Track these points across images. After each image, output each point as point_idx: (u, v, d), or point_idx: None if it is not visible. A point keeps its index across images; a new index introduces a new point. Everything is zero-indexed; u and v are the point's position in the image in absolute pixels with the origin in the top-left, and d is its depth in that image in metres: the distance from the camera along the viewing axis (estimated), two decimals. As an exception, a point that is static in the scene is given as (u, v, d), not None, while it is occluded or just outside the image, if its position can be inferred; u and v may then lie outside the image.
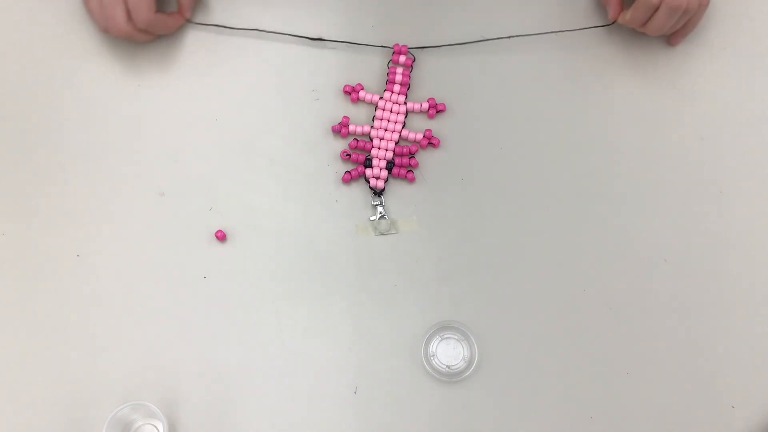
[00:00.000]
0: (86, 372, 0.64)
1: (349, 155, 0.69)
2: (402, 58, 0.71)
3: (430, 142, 0.70)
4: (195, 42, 0.72)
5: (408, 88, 0.71)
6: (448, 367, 0.65)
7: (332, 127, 0.70)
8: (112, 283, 0.66)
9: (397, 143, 0.70)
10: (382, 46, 0.72)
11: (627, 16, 0.70)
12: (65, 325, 0.65)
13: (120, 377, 0.64)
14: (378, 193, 0.69)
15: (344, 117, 0.70)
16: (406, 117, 0.71)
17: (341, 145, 0.70)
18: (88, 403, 0.63)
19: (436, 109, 0.71)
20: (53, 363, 0.64)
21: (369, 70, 0.72)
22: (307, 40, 0.71)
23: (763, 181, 0.70)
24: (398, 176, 0.69)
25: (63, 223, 0.67)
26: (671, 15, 0.67)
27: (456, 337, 0.66)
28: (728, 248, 0.68)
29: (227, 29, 0.72)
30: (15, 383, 0.63)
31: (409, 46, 0.71)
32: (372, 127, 0.70)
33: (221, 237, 0.66)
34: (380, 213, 0.68)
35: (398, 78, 0.71)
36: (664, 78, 0.73)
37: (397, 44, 0.71)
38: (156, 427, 0.63)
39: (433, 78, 0.72)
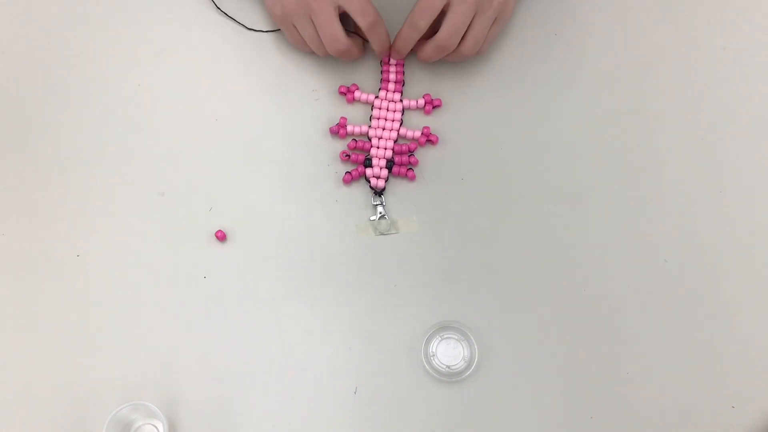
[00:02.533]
0: (86, 372, 0.64)
1: (349, 156, 0.69)
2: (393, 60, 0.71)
3: (429, 139, 0.70)
4: (195, 42, 0.72)
5: (403, 86, 0.71)
6: (448, 367, 0.65)
7: (330, 129, 0.70)
8: (112, 283, 0.66)
9: (395, 142, 0.70)
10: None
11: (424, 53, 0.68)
12: (65, 325, 0.65)
13: (120, 377, 0.64)
14: (378, 192, 0.69)
15: (341, 118, 0.70)
16: (403, 115, 0.71)
17: (341, 145, 0.70)
18: (88, 403, 0.63)
19: (432, 105, 0.71)
20: (53, 363, 0.64)
21: (363, 69, 0.72)
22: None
23: (763, 181, 0.70)
24: (398, 175, 0.69)
25: (63, 223, 0.67)
26: (440, 52, 0.66)
27: (456, 337, 0.66)
28: (728, 248, 0.68)
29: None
30: (15, 383, 0.63)
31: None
32: (370, 126, 0.70)
33: (221, 237, 0.66)
34: (380, 213, 0.68)
35: (392, 76, 0.71)
36: (663, 77, 0.73)
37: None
38: (156, 427, 0.63)
39: (426, 74, 0.72)
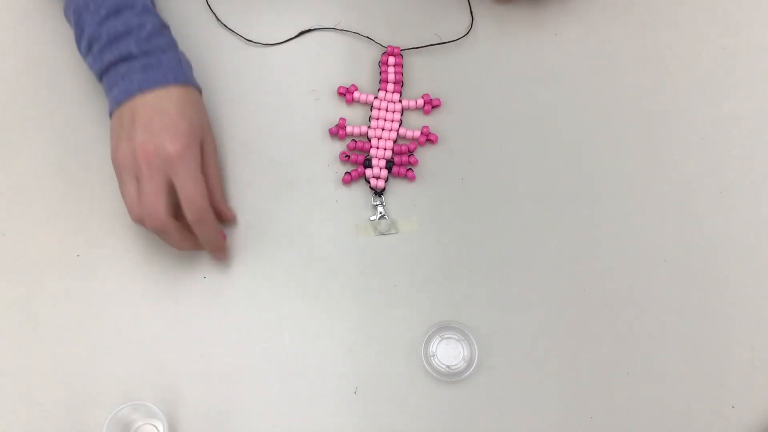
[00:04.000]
0: (86, 372, 0.64)
1: (348, 156, 0.69)
2: (392, 59, 0.71)
3: (428, 138, 0.70)
4: (194, 43, 0.72)
5: (402, 86, 0.71)
6: (448, 367, 0.65)
7: (329, 130, 0.70)
8: (112, 283, 0.66)
9: (395, 142, 0.70)
10: (369, 38, 0.73)
11: None
12: (65, 325, 0.65)
13: (120, 377, 0.64)
14: (378, 193, 0.69)
15: (341, 119, 0.70)
16: (402, 115, 0.71)
17: (340, 145, 0.70)
18: (88, 403, 0.63)
19: (431, 105, 0.71)
20: (53, 363, 0.64)
21: (361, 70, 0.72)
22: (300, 35, 0.73)
23: (763, 181, 0.70)
24: (398, 175, 0.69)
25: (63, 223, 0.67)
26: None
27: (456, 337, 0.66)
28: (728, 248, 0.68)
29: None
30: (15, 383, 0.63)
31: (393, 44, 0.72)
32: (369, 127, 0.70)
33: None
34: (380, 213, 0.68)
35: (391, 77, 0.71)
36: (663, 77, 0.73)
37: (390, 46, 0.72)
38: (156, 427, 0.63)
39: (425, 74, 0.72)
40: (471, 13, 0.74)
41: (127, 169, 0.59)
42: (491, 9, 0.74)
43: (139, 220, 0.60)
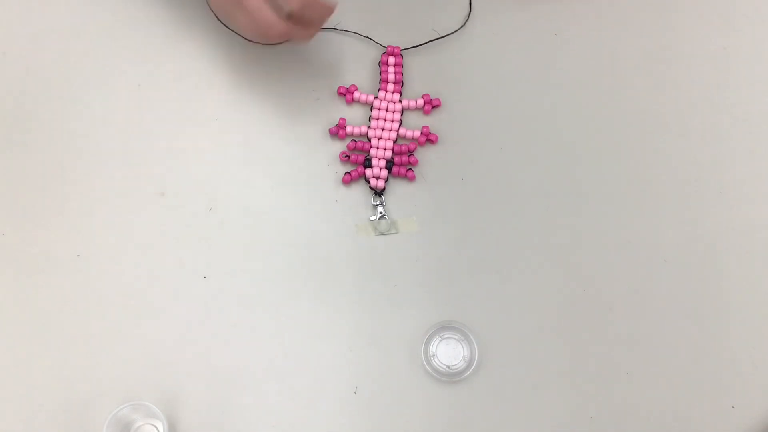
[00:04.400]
0: (86, 372, 0.64)
1: (348, 156, 0.69)
2: (392, 59, 0.71)
3: (428, 138, 0.70)
4: (195, 42, 0.72)
5: (402, 86, 0.71)
6: (448, 367, 0.65)
7: (329, 130, 0.70)
8: (112, 283, 0.66)
9: (395, 142, 0.70)
10: (369, 38, 0.73)
11: None
12: (65, 325, 0.65)
13: (120, 377, 0.64)
14: (378, 193, 0.69)
15: (341, 119, 0.70)
16: (402, 115, 0.71)
17: (340, 145, 0.70)
18: (88, 403, 0.63)
19: (431, 105, 0.71)
20: (53, 363, 0.64)
21: (362, 70, 0.72)
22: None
23: (763, 181, 0.70)
24: (398, 175, 0.69)
25: (63, 223, 0.67)
26: None
27: (456, 337, 0.66)
28: (728, 248, 0.68)
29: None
30: (15, 383, 0.63)
31: (393, 44, 0.72)
32: (369, 127, 0.70)
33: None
34: (380, 213, 0.68)
35: (391, 77, 0.71)
36: (663, 77, 0.73)
37: (390, 46, 0.72)
38: (156, 427, 0.63)
39: (425, 74, 0.72)
40: (470, 4, 0.74)
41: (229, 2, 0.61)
42: (491, 8, 0.74)
43: (278, 18, 0.60)
